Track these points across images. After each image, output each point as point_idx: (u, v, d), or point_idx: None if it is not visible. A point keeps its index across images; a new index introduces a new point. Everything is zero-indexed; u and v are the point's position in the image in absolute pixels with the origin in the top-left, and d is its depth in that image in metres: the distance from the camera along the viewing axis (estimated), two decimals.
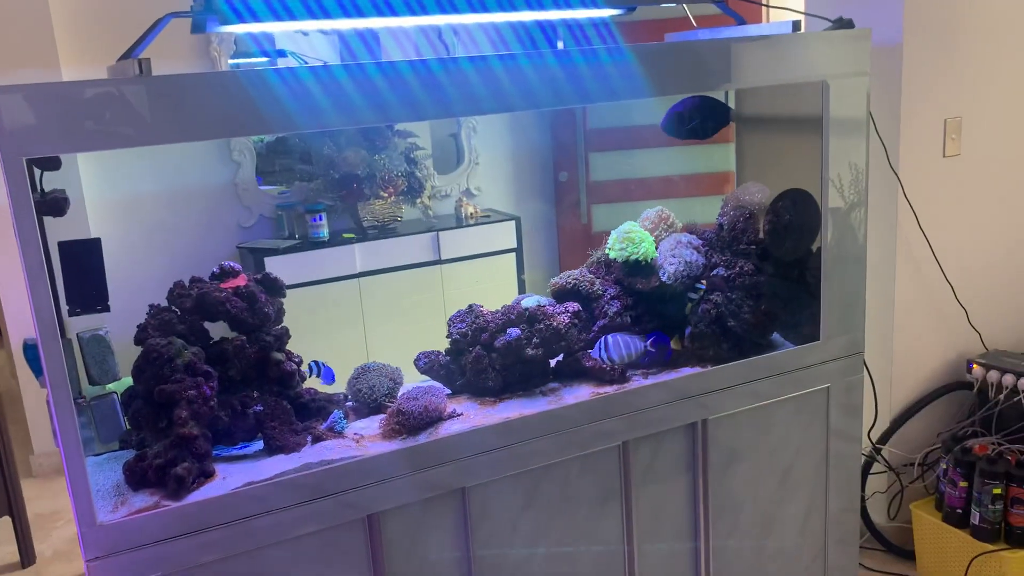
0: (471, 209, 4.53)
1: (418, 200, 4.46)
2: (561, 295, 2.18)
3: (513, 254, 4.46)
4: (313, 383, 2.06)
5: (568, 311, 2.09)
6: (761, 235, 2.27)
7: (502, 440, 1.98)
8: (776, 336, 2.39)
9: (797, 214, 2.28)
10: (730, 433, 2.26)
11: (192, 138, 1.54)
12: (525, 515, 2.04)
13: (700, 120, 2.40)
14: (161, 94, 1.53)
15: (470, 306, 2.18)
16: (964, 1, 2.63)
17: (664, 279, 2.17)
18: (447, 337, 2.15)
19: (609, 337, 2.11)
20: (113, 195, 3.94)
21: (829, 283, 2.31)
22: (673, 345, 2.24)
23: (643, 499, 2.18)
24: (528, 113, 4.86)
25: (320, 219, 4.16)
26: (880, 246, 2.59)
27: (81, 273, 1.83)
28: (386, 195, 4.31)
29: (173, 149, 4.09)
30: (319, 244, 4.16)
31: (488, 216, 4.55)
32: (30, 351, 2.24)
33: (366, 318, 4.11)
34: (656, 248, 2.20)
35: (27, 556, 3.22)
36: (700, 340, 2.20)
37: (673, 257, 2.15)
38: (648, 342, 2.13)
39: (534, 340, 2.04)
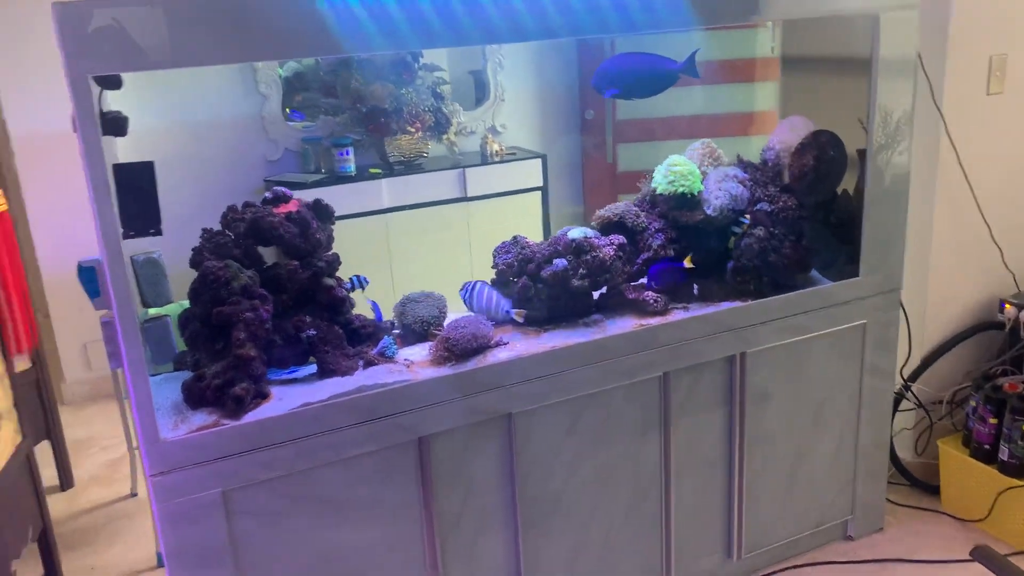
0: (496, 147, 4.50)
1: (444, 136, 4.43)
2: (607, 227, 2.19)
3: (539, 192, 4.44)
4: (359, 306, 2.09)
5: (613, 243, 2.10)
6: (802, 171, 2.26)
7: (547, 368, 2.01)
8: (815, 273, 2.40)
9: (836, 152, 2.27)
10: (767, 367, 2.29)
11: (251, 58, 1.53)
12: (568, 441, 2.08)
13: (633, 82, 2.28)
14: (222, 11, 1.52)
15: (515, 237, 2.19)
16: None
17: (709, 212, 2.18)
18: (492, 268, 2.17)
19: (484, 289, 2.12)
20: (141, 124, 3.92)
21: (870, 220, 2.31)
22: (687, 263, 2.20)
23: (681, 429, 2.23)
24: (555, 50, 4.80)
25: (347, 153, 4.14)
26: (920, 185, 2.58)
27: (135, 196, 1.84)
28: (413, 130, 4.29)
29: (201, 80, 4.06)
30: (346, 179, 4.14)
31: (513, 154, 4.53)
32: (86, 273, 2.26)
33: (393, 254, 4.12)
34: (702, 182, 2.20)
35: (66, 480, 3.30)
36: (742, 274, 2.22)
37: (719, 190, 2.15)
38: (508, 309, 2.11)
39: (580, 271, 2.06)
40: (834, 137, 2.27)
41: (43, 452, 3.08)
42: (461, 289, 2.15)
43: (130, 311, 1.63)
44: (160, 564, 2.73)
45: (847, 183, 2.39)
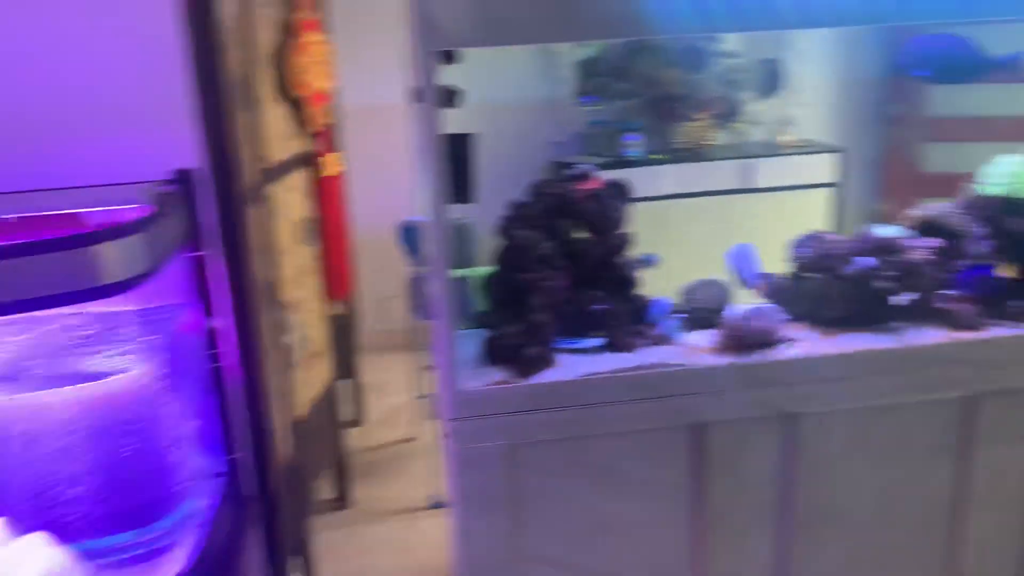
0: (788, 138, 4.33)
1: (733, 125, 4.34)
2: (921, 229, 2.04)
3: (829, 189, 4.22)
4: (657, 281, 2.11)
5: (929, 246, 1.95)
6: None
7: (838, 372, 1.92)
8: None
9: None
10: None
11: (592, 37, 1.59)
12: (854, 452, 1.97)
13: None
14: None
15: (815, 232, 2.10)
16: None
17: None
18: (788, 261, 2.10)
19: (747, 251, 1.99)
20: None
21: None
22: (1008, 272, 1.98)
23: (984, 458, 2.02)
24: (861, 38, 4.50)
25: (634, 138, 4.19)
26: None
27: (457, 165, 2.00)
28: (701, 117, 4.24)
29: (502, 59, 4.29)
30: (629, 163, 4.20)
31: (805, 146, 4.33)
32: (408, 232, 2.51)
33: (670, 241, 4.12)
34: None
35: (359, 417, 3.69)
36: None
37: None
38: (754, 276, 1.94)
39: (887, 273, 1.94)
40: None
41: (344, 390, 3.46)
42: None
43: (445, 269, 1.77)
44: (432, 507, 2.97)
45: None
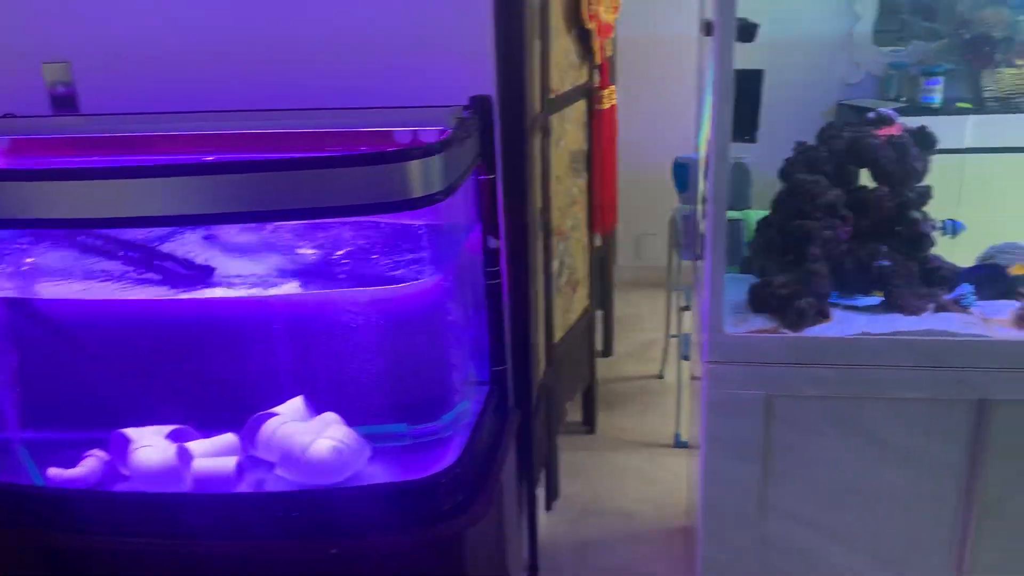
0: None
1: None
2: None
3: None
4: (944, 247, 1.94)
5: None
6: None
7: None
8: None
9: None
10: None
11: None
12: None
13: None
14: None
15: None
16: None
17: None
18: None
19: None
20: None
21: None
22: None
23: None
24: None
25: (936, 83, 3.79)
26: None
27: (743, 102, 1.93)
28: (1021, 64, 3.74)
29: None
30: (928, 111, 3.81)
31: None
32: (680, 168, 2.49)
33: (964, 199, 3.72)
34: None
35: (608, 348, 3.77)
36: None
37: None
38: None
39: None
40: None
41: (596, 321, 3.54)
42: None
43: (723, 209, 1.74)
44: (677, 445, 2.99)
45: None
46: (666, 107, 4.45)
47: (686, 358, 2.90)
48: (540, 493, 2.53)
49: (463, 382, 1.78)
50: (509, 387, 2.01)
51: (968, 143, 3.73)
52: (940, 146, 3.87)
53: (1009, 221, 3.65)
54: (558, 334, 2.63)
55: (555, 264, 2.55)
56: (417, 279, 1.61)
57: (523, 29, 1.86)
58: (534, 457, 2.29)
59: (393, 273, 1.64)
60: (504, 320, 1.93)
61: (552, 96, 2.37)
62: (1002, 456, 1.78)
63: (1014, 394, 1.73)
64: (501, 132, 1.90)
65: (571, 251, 2.73)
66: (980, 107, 3.80)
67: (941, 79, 3.82)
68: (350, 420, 1.72)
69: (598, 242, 3.32)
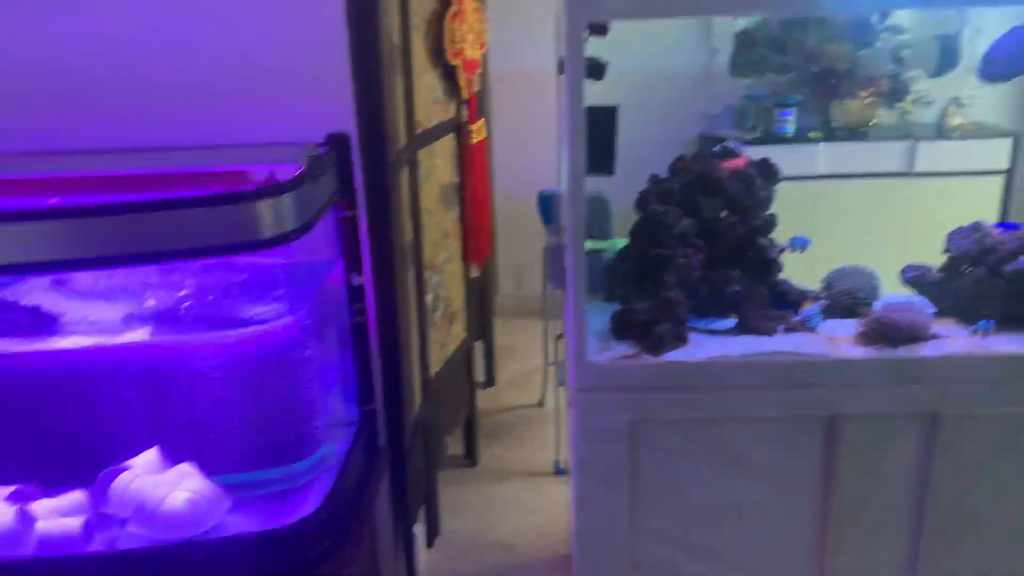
0: (958, 120, 4.03)
1: (898, 104, 4.08)
2: None
3: (1002, 176, 3.91)
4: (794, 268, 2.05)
5: None
6: None
7: (990, 374, 1.81)
8: None
9: None
10: None
11: (738, 11, 1.55)
12: (1000, 459, 1.86)
13: None
14: None
15: (976, 223, 1.97)
16: None
17: None
18: (944, 253, 1.98)
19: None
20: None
21: None
22: None
23: None
24: None
25: (788, 114, 4.02)
26: None
27: (598, 138, 2.00)
28: (864, 95, 4.01)
29: (657, 30, 4.20)
30: (782, 140, 4.04)
31: (976, 130, 4.02)
32: (544, 201, 2.53)
33: (820, 223, 3.94)
34: None
35: (490, 379, 3.78)
36: None
37: None
38: None
39: None
40: None
41: (476, 352, 3.54)
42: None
43: (582, 240, 1.79)
44: (557, 472, 3.01)
45: None
46: (540, 139, 4.52)
47: (563, 385, 2.94)
48: (421, 531, 2.50)
49: (327, 424, 1.75)
50: (380, 425, 1.98)
51: (820, 170, 3.97)
52: (795, 173, 4.10)
53: (856, 243, 3.89)
54: (435, 368, 2.62)
55: (429, 297, 2.54)
56: (273, 320, 1.57)
57: (380, 67, 1.86)
58: (411, 495, 2.26)
59: (248, 315, 1.60)
60: (372, 358, 1.90)
61: (419, 131, 2.38)
62: (852, 467, 1.87)
63: (860, 409, 1.83)
64: (363, 168, 1.89)
65: (446, 283, 2.73)
66: (831, 136, 4.05)
67: (793, 110, 4.06)
68: (209, 470, 1.66)
69: (475, 273, 3.34)
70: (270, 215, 1.42)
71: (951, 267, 1.95)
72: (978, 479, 1.88)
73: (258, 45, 2.01)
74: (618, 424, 1.86)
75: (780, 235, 2.06)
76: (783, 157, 3.93)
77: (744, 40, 4.30)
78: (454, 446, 3.09)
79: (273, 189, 1.43)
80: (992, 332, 1.86)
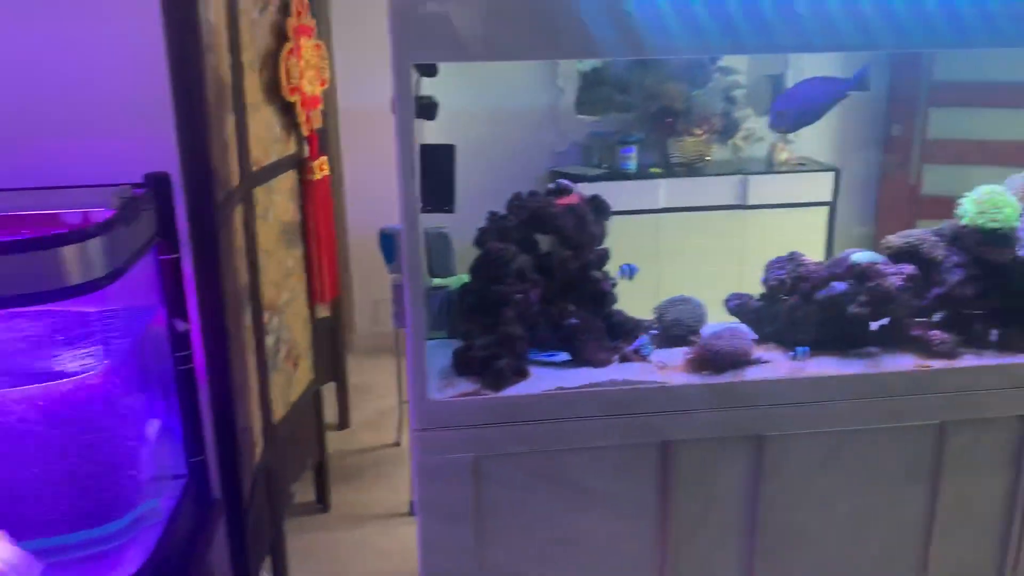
0: (785, 155, 4.33)
1: (730, 140, 4.34)
2: (897, 256, 2.04)
3: (826, 208, 4.21)
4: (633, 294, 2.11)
5: (902, 273, 1.94)
6: None
7: (808, 395, 1.92)
8: None
9: None
10: None
11: (564, 56, 1.61)
12: (822, 476, 1.97)
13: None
14: (543, 11, 1.61)
15: (791, 254, 2.10)
16: None
17: (1022, 253, 1.95)
18: (763, 282, 2.10)
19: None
20: (445, 108, 4.24)
21: None
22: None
23: (954, 485, 2.02)
24: (862, 58, 4.49)
25: (630, 151, 4.20)
26: None
27: (436, 175, 2.01)
28: (699, 133, 4.24)
29: (503, 70, 4.30)
30: (626, 176, 4.20)
31: (803, 164, 4.32)
32: (386, 239, 2.51)
33: (662, 254, 4.12)
34: (1020, 217, 1.97)
35: (344, 420, 3.70)
36: None
37: None
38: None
39: (860, 298, 1.93)
40: None
41: (328, 392, 3.47)
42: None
43: (418, 278, 1.78)
44: (412, 512, 2.97)
45: None
46: (392, 175, 4.51)
47: None
48: None
49: (150, 478, 1.65)
50: (212, 477, 1.89)
51: (661, 204, 4.15)
52: (637, 207, 4.26)
53: (695, 273, 4.08)
54: (279, 413, 2.54)
55: (270, 339, 2.47)
56: (85, 371, 1.48)
57: (204, 105, 1.81)
58: (253, 546, 2.17)
59: (58, 366, 1.50)
60: (201, 406, 1.82)
61: (255, 168, 2.32)
62: (686, 491, 1.94)
63: (690, 433, 1.90)
64: (189, 209, 1.82)
65: (289, 325, 2.66)
66: (670, 172, 4.25)
67: (635, 147, 4.24)
68: (19, 534, 1.53)
69: (325, 312, 3.28)
70: (77, 261, 1.34)
71: (769, 295, 2.07)
72: (802, 495, 1.98)
73: (77, 82, 1.93)
74: (461, 461, 1.86)
75: (617, 267, 2.13)
76: (626, 191, 4.15)
77: (590, 79, 4.47)
78: (305, 492, 3.00)
79: (79, 234, 1.35)
80: (808, 357, 1.98)
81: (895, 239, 2.05)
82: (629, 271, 2.10)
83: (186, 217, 1.78)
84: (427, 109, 1.85)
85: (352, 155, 4.44)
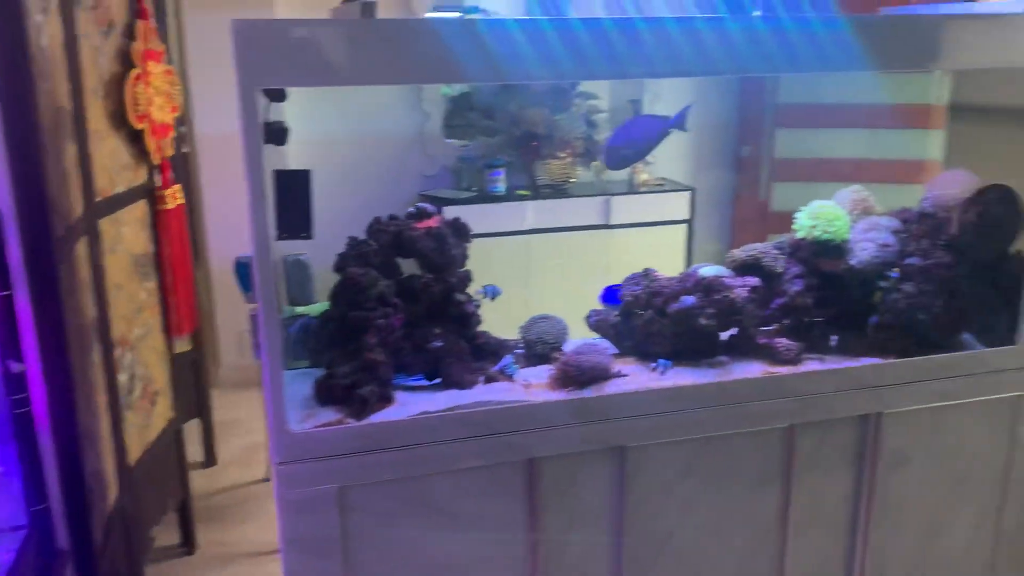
0: (645, 176, 4.50)
1: (593, 163, 4.47)
2: (742, 268, 2.15)
3: (684, 226, 4.40)
4: (500, 315, 2.13)
5: (747, 285, 2.05)
6: (964, 227, 2.13)
7: (666, 406, 1.99)
8: (967, 336, 2.25)
9: (1007, 209, 2.12)
10: (905, 430, 2.16)
11: (408, 81, 1.62)
12: (682, 483, 2.04)
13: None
14: (386, 37, 1.62)
15: (646, 270, 2.18)
16: None
17: (854, 263, 2.09)
18: (619, 298, 2.17)
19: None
20: (308, 134, 4.18)
21: None
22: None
23: (804, 485, 2.13)
24: (714, 83, 4.74)
25: (498, 174, 4.26)
26: None
27: (292, 201, 1.98)
28: (563, 156, 4.35)
29: (367, 95, 4.29)
30: (495, 198, 4.26)
31: (662, 184, 4.51)
32: (241, 268, 2.45)
33: (532, 274, 4.19)
34: (850, 229, 2.12)
35: (209, 458, 3.55)
36: (885, 330, 2.11)
37: (867, 240, 2.06)
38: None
39: (708, 310, 2.03)
40: (1008, 193, 2.13)
41: (192, 430, 3.33)
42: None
43: (273, 307, 1.74)
44: None
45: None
46: None
47: None
48: None
49: None
50: (57, 526, 1.78)
51: (529, 225, 4.22)
52: (506, 229, 4.32)
53: (562, 291, 4.17)
54: (135, 453, 2.42)
55: (123, 377, 2.35)
56: None
57: (38, 135, 1.72)
58: None
59: None
60: (43, 451, 1.71)
61: (100, 199, 2.22)
62: (553, 507, 1.97)
63: (555, 449, 1.93)
64: (23, 244, 1.71)
65: (144, 361, 2.54)
66: (537, 194, 4.34)
67: (503, 170, 4.30)
68: None
69: (186, 346, 3.15)
70: None
71: (626, 311, 2.13)
72: (665, 502, 2.05)
73: None
74: (326, 493, 1.82)
75: (475, 288, 2.15)
76: (496, 214, 4.20)
77: (457, 104, 4.52)
78: (168, 534, 2.86)
79: None
80: (669, 370, 2.05)
81: (740, 253, 2.16)
82: (492, 292, 2.12)
83: (19, 251, 1.68)
84: (277, 135, 1.82)
85: (212, 182, 4.31)
